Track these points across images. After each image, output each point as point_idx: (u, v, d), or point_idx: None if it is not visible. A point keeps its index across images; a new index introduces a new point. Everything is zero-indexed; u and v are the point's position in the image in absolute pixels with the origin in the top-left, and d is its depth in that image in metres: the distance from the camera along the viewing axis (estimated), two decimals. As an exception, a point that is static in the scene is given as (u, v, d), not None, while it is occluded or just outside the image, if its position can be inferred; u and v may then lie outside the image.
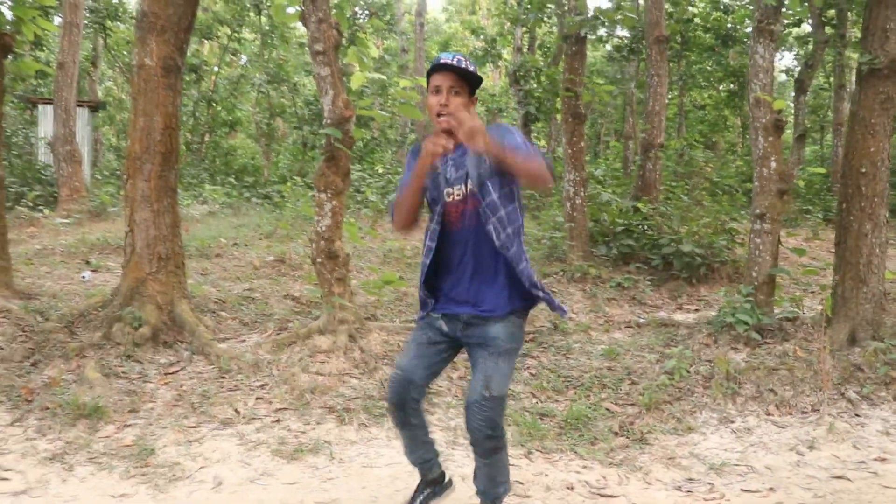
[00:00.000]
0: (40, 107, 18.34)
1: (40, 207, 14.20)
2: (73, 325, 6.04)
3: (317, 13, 5.43)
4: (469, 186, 3.04)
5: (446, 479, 3.58)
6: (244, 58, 26.25)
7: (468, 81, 3.03)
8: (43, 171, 16.49)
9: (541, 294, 3.11)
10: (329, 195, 5.70)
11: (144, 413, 4.88)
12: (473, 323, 3.13)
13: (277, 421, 4.79)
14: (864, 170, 5.91)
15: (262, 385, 5.25)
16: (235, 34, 22.86)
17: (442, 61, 3.00)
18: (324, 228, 5.72)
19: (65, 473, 4.12)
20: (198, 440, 4.53)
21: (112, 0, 19.87)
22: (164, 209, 6.13)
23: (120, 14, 20.25)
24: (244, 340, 6.13)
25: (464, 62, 3.01)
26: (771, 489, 4.12)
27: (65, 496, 3.87)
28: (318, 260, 5.79)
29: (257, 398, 5.07)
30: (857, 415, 5.10)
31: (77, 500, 3.83)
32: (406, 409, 3.24)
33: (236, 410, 4.88)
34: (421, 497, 3.50)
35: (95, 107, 20.23)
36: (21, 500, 3.83)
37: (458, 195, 3.08)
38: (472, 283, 3.13)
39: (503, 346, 3.10)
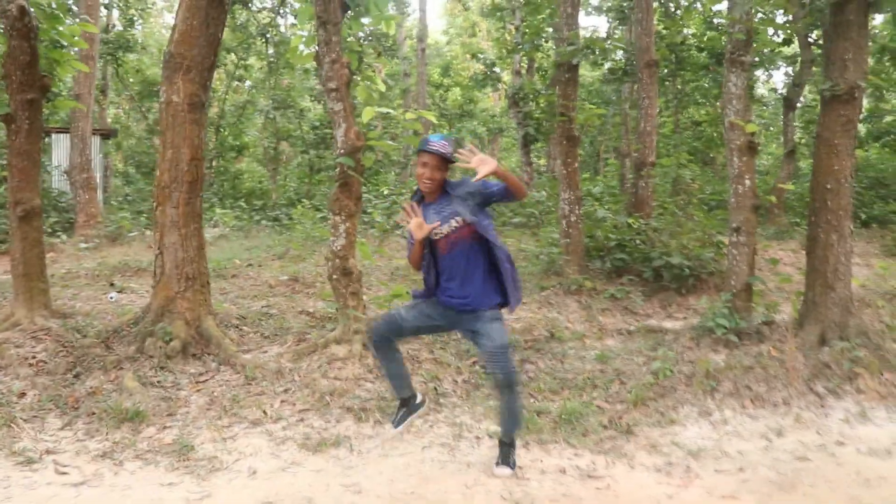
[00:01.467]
0: (53, 135, 18.95)
1: (58, 233, 14.80)
2: (109, 341, 6.58)
3: (330, 54, 6.03)
4: (461, 222, 4.25)
5: (419, 399, 4.80)
6: (248, 83, 26.95)
7: (447, 160, 4.27)
8: (59, 199, 17.10)
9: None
10: (343, 217, 6.29)
11: (181, 416, 5.43)
12: (464, 311, 4.34)
13: (301, 420, 5.36)
14: (829, 186, 6.48)
15: (286, 390, 5.82)
16: (242, 61, 23.54)
17: (428, 148, 4.21)
18: (339, 248, 6.30)
19: (116, 468, 4.65)
20: (231, 437, 5.08)
21: (123, 32, 20.58)
22: (191, 233, 6.71)
23: (131, 45, 20.96)
24: (266, 351, 6.69)
25: (445, 149, 4.22)
26: (740, 469, 4.66)
27: (119, 486, 4.41)
28: (334, 276, 6.36)
29: (282, 401, 5.64)
30: (822, 406, 5.64)
31: (131, 489, 4.37)
32: (388, 339, 4.51)
33: (264, 412, 5.44)
34: (399, 415, 4.73)
35: (107, 134, 20.91)
36: (81, 490, 4.37)
37: (444, 232, 4.28)
38: (461, 286, 4.32)
39: (493, 316, 4.33)
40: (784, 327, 6.71)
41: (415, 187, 4.45)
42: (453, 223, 4.27)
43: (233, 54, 23.12)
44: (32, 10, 6.71)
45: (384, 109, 5.91)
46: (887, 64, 21.59)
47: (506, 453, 4.56)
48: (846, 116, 6.41)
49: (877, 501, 4.19)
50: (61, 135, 18.28)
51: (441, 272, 4.38)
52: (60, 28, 7.03)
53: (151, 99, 25.15)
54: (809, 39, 15.14)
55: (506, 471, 4.50)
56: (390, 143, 6.92)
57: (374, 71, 7.41)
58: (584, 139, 23.29)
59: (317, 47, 6.17)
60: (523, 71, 20.98)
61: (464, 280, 4.31)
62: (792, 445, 5.02)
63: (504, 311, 4.46)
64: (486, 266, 4.35)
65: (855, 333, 6.31)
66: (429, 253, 4.37)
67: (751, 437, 5.19)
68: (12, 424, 5.17)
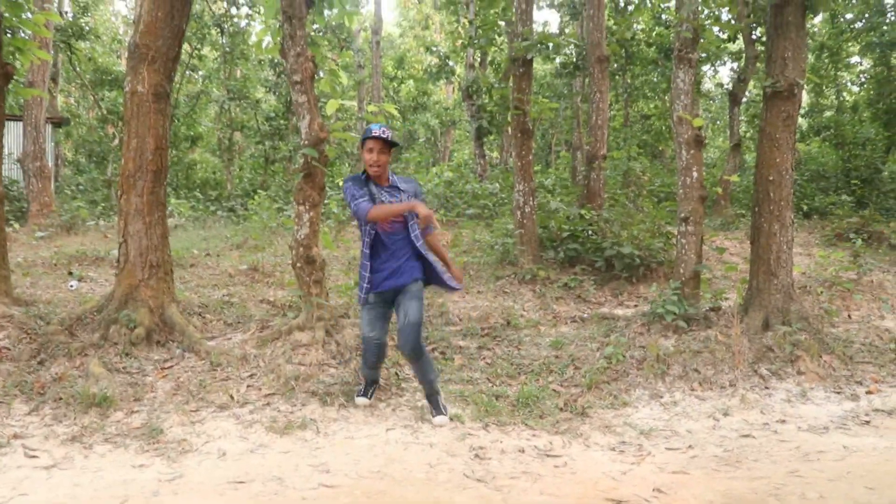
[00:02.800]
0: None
1: (10, 222, 14.61)
2: (72, 328, 6.61)
3: (295, 48, 6.16)
4: None
5: (380, 381, 5.77)
6: (200, 72, 26.75)
7: (389, 144, 4.97)
8: (9, 187, 16.85)
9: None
10: (307, 207, 6.43)
11: (148, 401, 5.52)
12: (396, 288, 5.05)
13: (268, 404, 5.50)
14: (771, 178, 6.80)
15: (251, 375, 5.95)
16: (196, 51, 23.36)
17: (374, 134, 4.89)
18: (303, 237, 6.44)
19: (85, 451, 4.74)
20: (199, 421, 5.20)
21: (76, 20, 20.29)
22: (155, 221, 6.78)
23: (85, 34, 20.65)
24: (230, 338, 6.80)
25: (388, 133, 4.94)
26: (690, 446, 4.94)
27: (90, 468, 4.51)
28: (298, 265, 6.50)
29: (248, 386, 5.77)
30: (766, 387, 5.97)
31: (103, 471, 4.47)
32: (383, 359, 5.41)
33: (231, 396, 5.56)
34: (370, 390, 5.64)
35: (58, 123, 20.60)
36: (53, 472, 4.45)
37: None
38: (395, 262, 5.04)
39: (416, 293, 5.02)
40: (730, 313, 7.03)
41: (359, 174, 5.11)
42: None
43: (186, 44, 22.92)
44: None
45: (348, 102, 6.04)
46: (826, 61, 22.32)
47: (436, 402, 5.34)
48: (787, 112, 6.73)
49: (814, 473, 4.48)
50: (11, 122, 17.98)
51: (381, 250, 5.04)
52: (24, 16, 7.02)
53: (105, 87, 24.81)
54: (753, 36, 15.59)
55: (444, 419, 5.24)
56: (354, 134, 7.06)
57: (336, 64, 7.53)
58: (536, 132, 23.63)
59: (282, 41, 6.29)
60: (476, 64, 21.20)
61: (398, 257, 5.03)
62: (737, 424, 5.33)
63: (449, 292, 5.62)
64: (412, 250, 5.08)
65: (796, 318, 6.65)
66: (370, 235, 5.04)
67: (699, 417, 5.48)
68: (-22, 410, 5.22)
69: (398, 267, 5.03)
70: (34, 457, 4.66)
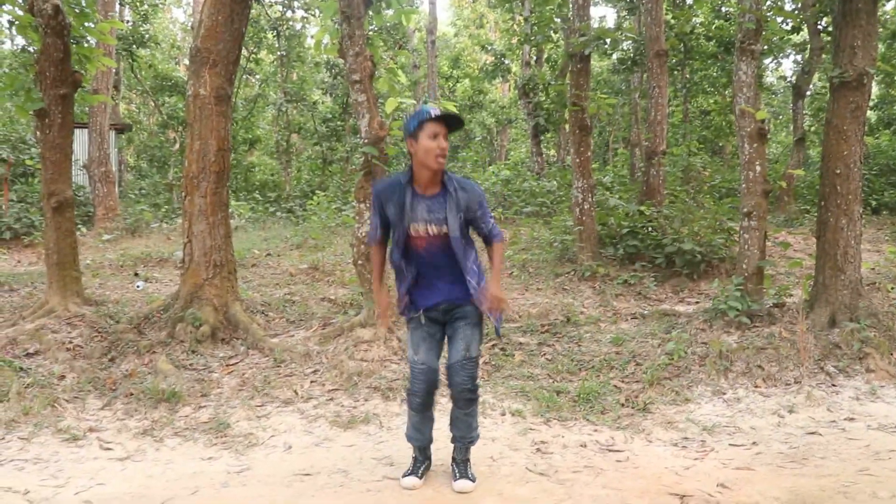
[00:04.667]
0: (71, 130, 19.14)
1: (78, 226, 15.05)
2: (141, 326, 6.82)
3: (354, 48, 6.24)
4: (445, 230, 3.88)
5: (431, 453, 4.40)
6: (257, 76, 27.21)
7: (450, 127, 3.86)
8: (77, 192, 17.35)
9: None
10: (367, 205, 6.50)
11: (214, 396, 5.66)
12: (452, 305, 4.00)
13: (331, 399, 5.58)
14: (838, 171, 6.65)
15: (315, 371, 6.05)
16: (253, 55, 23.76)
17: (439, 114, 3.77)
18: (363, 234, 6.52)
19: (156, 444, 4.89)
20: (265, 416, 5.31)
21: (137, 28, 20.83)
22: (219, 222, 6.93)
23: (145, 41, 21.19)
24: (292, 335, 6.92)
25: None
26: (754, 443, 4.86)
27: (162, 460, 4.65)
28: (359, 262, 6.58)
29: (311, 381, 5.87)
30: (833, 385, 5.84)
31: (173, 463, 4.60)
32: (432, 394, 4.11)
33: (295, 392, 5.67)
34: (422, 468, 4.29)
35: (121, 129, 21.16)
36: (127, 463, 4.60)
37: (427, 231, 3.91)
38: (448, 278, 3.99)
39: (476, 321, 4.03)
40: (794, 309, 6.89)
41: (395, 176, 4.03)
42: (443, 228, 3.91)
43: (244, 48, 23.34)
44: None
45: (407, 100, 6.09)
46: (897, 50, 21.65)
47: (465, 465, 4.23)
48: (855, 103, 6.57)
49: (886, 472, 4.37)
50: (77, 129, 18.49)
51: (422, 270, 4.01)
52: (89, 25, 7.24)
53: (165, 93, 25.39)
54: (819, 27, 15.24)
55: (468, 484, 4.14)
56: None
57: (394, 62, 7.60)
58: (594, 129, 23.48)
59: (340, 41, 6.38)
60: (532, 62, 21.13)
61: (451, 272, 3.98)
62: (803, 422, 5.22)
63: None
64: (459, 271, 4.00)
65: (865, 315, 6.48)
66: (404, 251, 4.00)
67: (763, 414, 5.39)
68: (55, 404, 5.41)
69: (448, 283, 3.99)
70: (109, 449, 4.82)
